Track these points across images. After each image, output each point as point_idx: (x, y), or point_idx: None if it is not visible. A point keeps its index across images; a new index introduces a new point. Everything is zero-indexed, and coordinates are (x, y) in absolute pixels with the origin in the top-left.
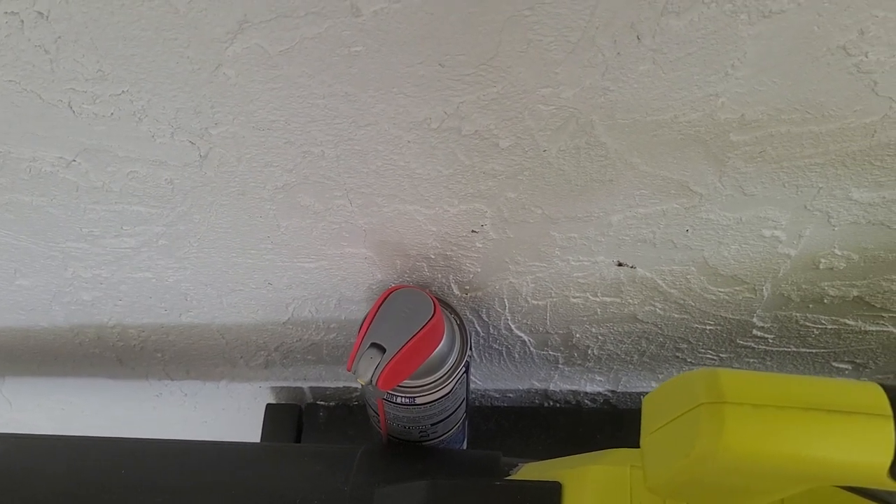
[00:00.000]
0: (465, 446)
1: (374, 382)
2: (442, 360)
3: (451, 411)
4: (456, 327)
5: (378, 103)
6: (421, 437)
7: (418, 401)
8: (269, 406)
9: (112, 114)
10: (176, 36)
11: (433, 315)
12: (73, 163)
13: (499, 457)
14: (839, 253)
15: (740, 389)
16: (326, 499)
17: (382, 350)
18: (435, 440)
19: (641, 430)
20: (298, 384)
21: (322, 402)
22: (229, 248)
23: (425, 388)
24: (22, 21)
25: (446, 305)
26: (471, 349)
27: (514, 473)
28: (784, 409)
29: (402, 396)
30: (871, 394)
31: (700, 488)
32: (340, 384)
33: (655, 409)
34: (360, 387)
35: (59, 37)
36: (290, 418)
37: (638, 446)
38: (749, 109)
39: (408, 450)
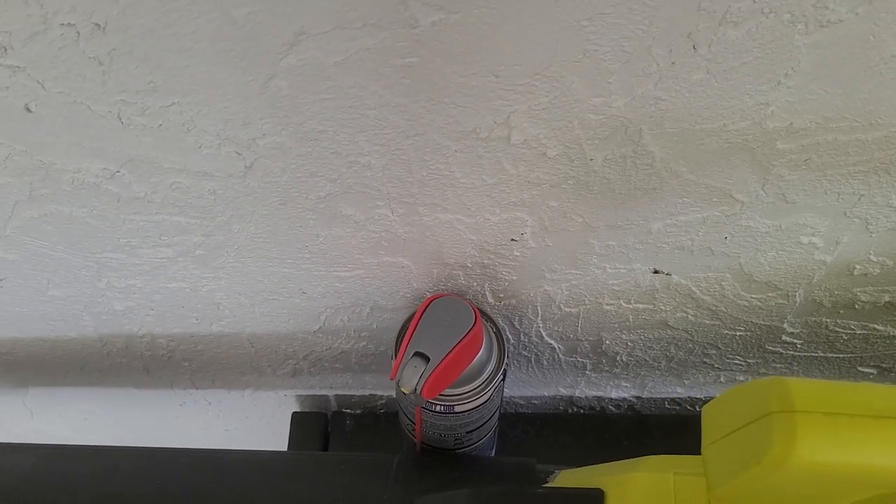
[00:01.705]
0: (493, 453)
1: (418, 392)
2: (481, 369)
3: (486, 419)
4: (493, 335)
5: (428, 113)
6: (455, 444)
7: (457, 409)
8: (295, 414)
9: (160, 125)
10: (231, 47)
11: (474, 323)
12: (118, 174)
13: (534, 464)
14: (874, 259)
15: (811, 397)
16: None
17: (426, 359)
18: (468, 448)
19: (703, 439)
20: (324, 392)
21: (348, 410)
22: (266, 257)
23: (464, 396)
24: (78, 33)
25: (483, 313)
26: (508, 357)
27: (551, 480)
28: (855, 417)
29: (440, 405)
30: None
31: (768, 496)
32: (367, 392)
33: (718, 418)
34: (390, 393)
35: (114, 48)
36: (317, 426)
37: (669, 452)
38: (798, 118)
39: (443, 458)
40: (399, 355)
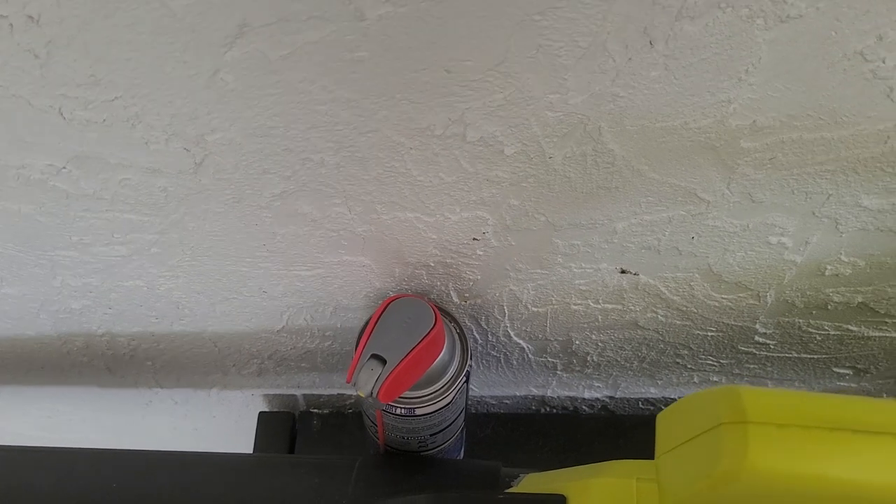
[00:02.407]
0: (462, 455)
1: (374, 395)
2: (442, 371)
3: (450, 421)
4: (456, 336)
5: (381, 110)
6: (420, 447)
7: (418, 412)
8: (261, 414)
9: (104, 120)
10: (173, 40)
11: (434, 325)
12: (64, 170)
13: (499, 468)
14: (845, 259)
15: (763, 408)
16: None
17: (383, 361)
18: (433, 450)
19: (656, 448)
20: (292, 391)
21: (316, 410)
22: (223, 256)
23: (425, 399)
24: (11, 25)
25: (446, 314)
26: (471, 358)
27: (515, 485)
28: (809, 428)
29: (401, 408)
30: None
31: None
32: (335, 391)
33: (671, 427)
34: (355, 394)
35: (50, 41)
36: (283, 427)
37: (640, 456)
38: (761, 115)
39: (406, 461)
40: (355, 358)
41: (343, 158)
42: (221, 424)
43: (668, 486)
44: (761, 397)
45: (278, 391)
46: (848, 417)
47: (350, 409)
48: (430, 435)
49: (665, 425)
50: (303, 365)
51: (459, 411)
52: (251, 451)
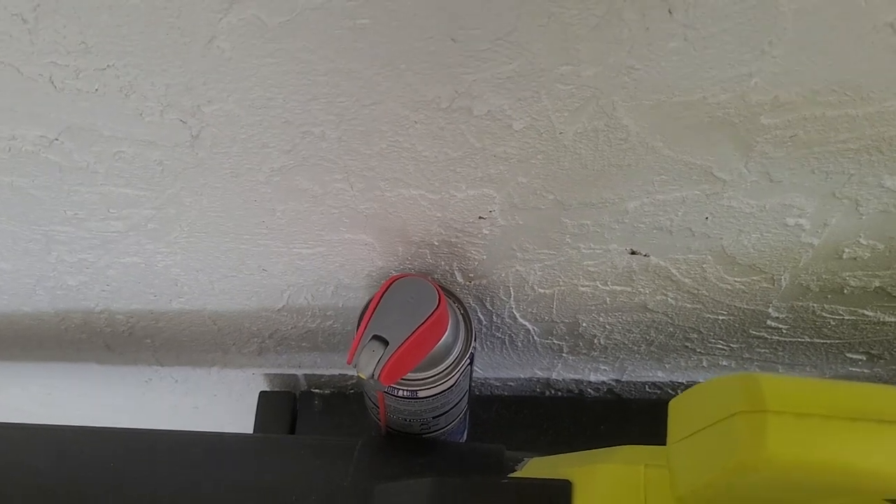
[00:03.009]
0: (465, 437)
1: (376, 377)
2: (446, 352)
3: (453, 404)
4: (460, 317)
5: (384, 81)
6: (422, 429)
7: (421, 394)
8: (262, 394)
9: (97, 90)
10: (165, 5)
11: (438, 305)
12: (56, 142)
13: (503, 451)
14: (864, 242)
15: (782, 397)
16: (325, 495)
17: (385, 342)
18: (436, 432)
19: (668, 436)
20: (293, 371)
21: (317, 390)
22: (222, 232)
23: (428, 381)
24: None
25: (450, 294)
26: (475, 340)
27: (519, 469)
28: (829, 418)
29: (403, 390)
30: None
31: (736, 500)
32: (336, 372)
33: (685, 414)
34: (356, 375)
35: (38, 5)
36: (284, 406)
37: (647, 441)
38: (783, 91)
39: (408, 443)
40: (356, 339)
41: (345, 132)
42: (222, 403)
43: (681, 474)
44: (780, 385)
45: (279, 371)
46: (870, 407)
47: (351, 389)
48: (433, 417)
49: (678, 412)
50: (304, 345)
51: (463, 394)
52: (251, 431)
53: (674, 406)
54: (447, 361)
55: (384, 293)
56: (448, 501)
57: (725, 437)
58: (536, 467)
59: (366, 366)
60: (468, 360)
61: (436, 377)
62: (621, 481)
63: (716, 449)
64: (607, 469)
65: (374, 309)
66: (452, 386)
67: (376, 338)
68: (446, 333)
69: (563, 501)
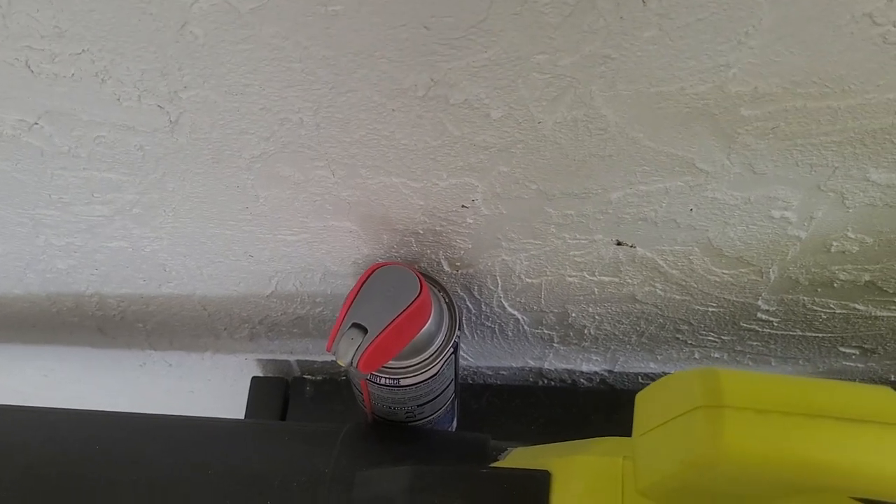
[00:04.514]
0: (454, 426)
1: (354, 364)
2: (429, 341)
3: (438, 392)
4: (444, 306)
5: (359, 68)
6: (407, 417)
7: (403, 382)
8: (254, 379)
9: (73, 74)
10: None
11: (419, 293)
12: (36, 126)
13: (487, 440)
14: (852, 236)
15: (742, 392)
16: (306, 480)
17: (364, 330)
18: (422, 421)
19: (633, 429)
20: (285, 357)
21: (309, 376)
22: (206, 218)
23: (410, 369)
24: None
25: (435, 283)
26: (460, 329)
27: (502, 459)
28: (789, 415)
29: (386, 378)
30: (884, 400)
31: (695, 495)
32: (328, 358)
33: (649, 408)
34: None
35: None
36: (275, 392)
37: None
38: (763, 82)
39: (393, 431)
40: (335, 326)
41: (323, 119)
42: (216, 388)
43: (644, 468)
44: (741, 381)
45: (272, 356)
46: (832, 404)
47: (343, 376)
48: (418, 406)
49: (643, 405)
50: (295, 331)
51: (448, 382)
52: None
53: (640, 399)
54: (430, 350)
55: (365, 281)
56: (426, 489)
57: (684, 431)
58: (519, 457)
59: (344, 353)
60: (452, 349)
61: (418, 365)
62: (599, 473)
63: (675, 443)
64: (586, 460)
65: (355, 297)
66: (436, 374)
67: (356, 325)
68: (429, 322)
69: (542, 492)
